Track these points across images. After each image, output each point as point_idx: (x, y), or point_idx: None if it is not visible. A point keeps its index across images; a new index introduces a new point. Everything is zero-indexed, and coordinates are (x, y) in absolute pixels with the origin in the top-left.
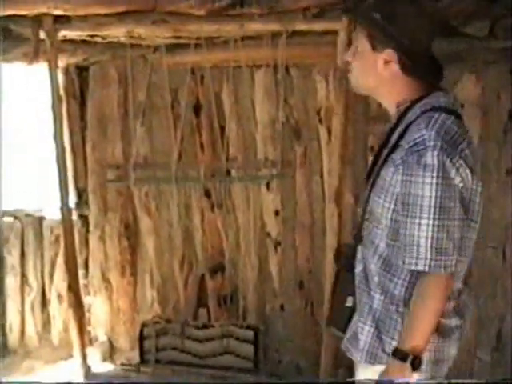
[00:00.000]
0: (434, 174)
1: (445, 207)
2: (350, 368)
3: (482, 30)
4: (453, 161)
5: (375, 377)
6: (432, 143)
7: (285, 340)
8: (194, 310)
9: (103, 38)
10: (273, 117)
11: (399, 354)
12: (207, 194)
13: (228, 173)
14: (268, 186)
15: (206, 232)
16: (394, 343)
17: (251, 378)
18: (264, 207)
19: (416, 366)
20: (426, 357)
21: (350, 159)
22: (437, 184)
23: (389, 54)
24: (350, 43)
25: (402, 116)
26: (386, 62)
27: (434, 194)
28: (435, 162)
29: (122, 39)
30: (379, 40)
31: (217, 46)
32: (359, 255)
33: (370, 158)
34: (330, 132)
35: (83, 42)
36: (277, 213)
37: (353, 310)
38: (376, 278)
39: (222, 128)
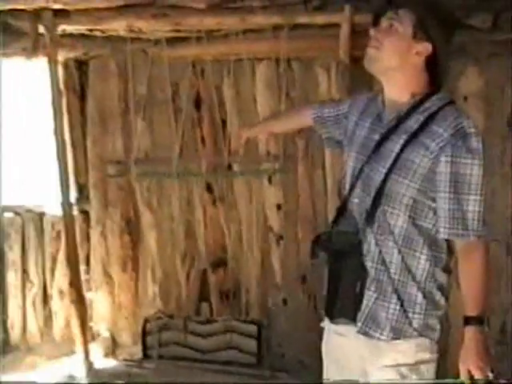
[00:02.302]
0: (479, 157)
1: (483, 185)
2: None
3: (485, 22)
4: (484, 146)
5: (401, 358)
6: (473, 130)
7: (288, 335)
8: (196, 305)
9: (103, 31)
10: (274, 110)
11: (474, 321)
12: (209, 188)
13: (229, 167)
14: (270, 179)
15: (207, 226)
16: (417, 316)
17: (254, 372)
18: (266, 201)
19: (486, 323)
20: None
21: None
22: (481, 165)
23: (426, 47)
24: (351, 36)
25: (416, 105)
26: (418, 54)
27: (480, 173)
28: (479, 146)
29: (122, 33)
30: (424, 31)
31: (217, 39)
32: (370, 239)
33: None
34: None
35: (82, 35)
36: (279, 207)
37: (361, 295)
38: (398, 257)
39: (224, 122)
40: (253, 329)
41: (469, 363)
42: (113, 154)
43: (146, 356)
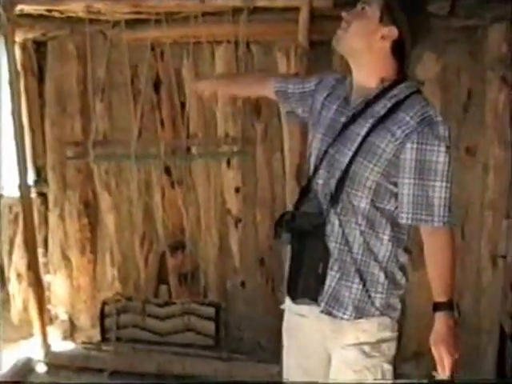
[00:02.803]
0: (447, 144)
1: (450, 171)
2: None
3: (442, 8)
4: (450, 134)
5: (363, 336)
6: (439, 118)
7: (245, 317)
8: (155, 288)
9: (61, 12)
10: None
11: (443, 306)
12: (167, 171)
13: (188, 150)
14: (228, 162)
15: (166, 209)
16: (379, 295)
17: (212, 354)
18: (225, 184)
19: (458, 310)
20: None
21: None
22: (447, 152)
23: (391, 30)
24: (311, 21)
25: (384, 91)
26: (383, 37)
27: (446, 160)
28: (446, 133)
29: (81, 14)
30: (390, 15)
31: (177, 22)
32: (334, 220)
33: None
34: None
35: (41, 16)
36: (237, 190)
37: (323, 276)
38: (360, 238)
39: (183, 104)
40: (211, 311)
41: (440, 349)
42: (71, 136)
43: (104, 339)
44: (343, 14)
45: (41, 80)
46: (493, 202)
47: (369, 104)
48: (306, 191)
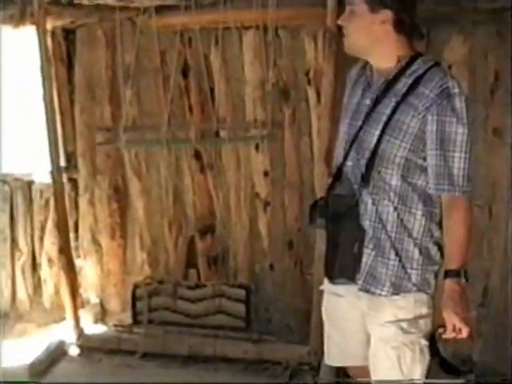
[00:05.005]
0: (464, 115)
1: (469, 142)
2: None
3: None
4: (468, 105)
5: (401, 313)
6: (457, 90)
7: (274, 299)
8: (184, 271)
9: (90, 0)
10: (261, 78)
11: (453, 274)
12: (197, 155)
13: (217, 134)
14: (257, 146)
15: (195, 193)
16: (414, 271)
17: (243, 336)
18: (253, 168)
19: (467, 277)
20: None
21: (338, 120)
22: (465, 124)
23: (386, 14)
24: (339, 4)
25: (403, 69)
26: (383, 23)
27: (465, 131)
28: (463, 105)
29: (110, 1)
30: (377, 3)
31: (205, 8)
32: (367, 199)
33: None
34: (318, 93)
35: (70, 4)
36: (266, 173)
37: (359, 255)
38: (394, 215)
39: (212, 90)
40: (241, 293)
41: (448, 309)
42: (100, 122)
43: (135, 321)
44: (339, 21)
45: (69, 67)
46: None
47: (390, 84)
48: (337, 176)
